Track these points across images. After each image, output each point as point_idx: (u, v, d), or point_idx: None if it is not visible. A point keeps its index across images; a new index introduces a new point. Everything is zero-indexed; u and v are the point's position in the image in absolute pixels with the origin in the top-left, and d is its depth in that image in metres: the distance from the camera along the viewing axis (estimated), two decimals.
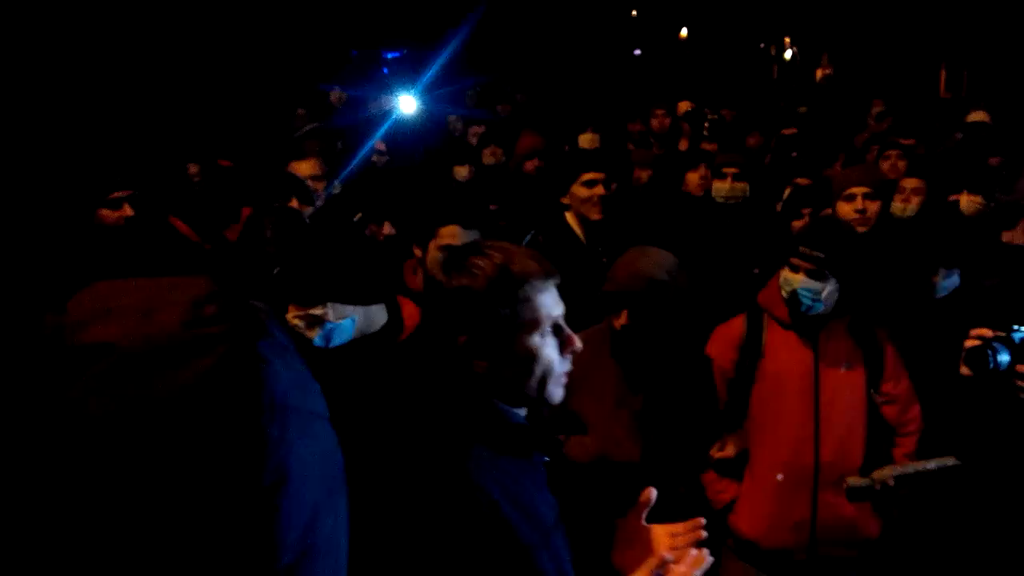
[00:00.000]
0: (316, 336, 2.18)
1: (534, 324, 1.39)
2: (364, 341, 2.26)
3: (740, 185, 4.19)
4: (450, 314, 1.39)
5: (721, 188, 4.21)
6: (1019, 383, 1.81)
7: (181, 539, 0.55)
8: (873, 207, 3.47)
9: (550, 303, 1.42)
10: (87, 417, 0.55)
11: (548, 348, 1.41)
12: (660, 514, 1.55)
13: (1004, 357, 1.79)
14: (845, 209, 3.48)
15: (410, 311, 2.41)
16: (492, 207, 3.99)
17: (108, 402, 0.55)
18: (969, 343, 1.83)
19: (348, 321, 2.20)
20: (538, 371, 1.40)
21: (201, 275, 0.65)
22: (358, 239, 3.62)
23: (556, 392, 1.43)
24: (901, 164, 4.64)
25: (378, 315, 2.27)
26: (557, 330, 1.43)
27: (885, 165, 4.71)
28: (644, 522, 1.53)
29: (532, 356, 1.39)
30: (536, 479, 1.38)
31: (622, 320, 2.44)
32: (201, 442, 0.56)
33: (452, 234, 2.81)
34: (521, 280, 1.39)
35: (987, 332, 1.83)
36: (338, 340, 2.20)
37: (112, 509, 0.54)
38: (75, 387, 0.56)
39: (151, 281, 0.63)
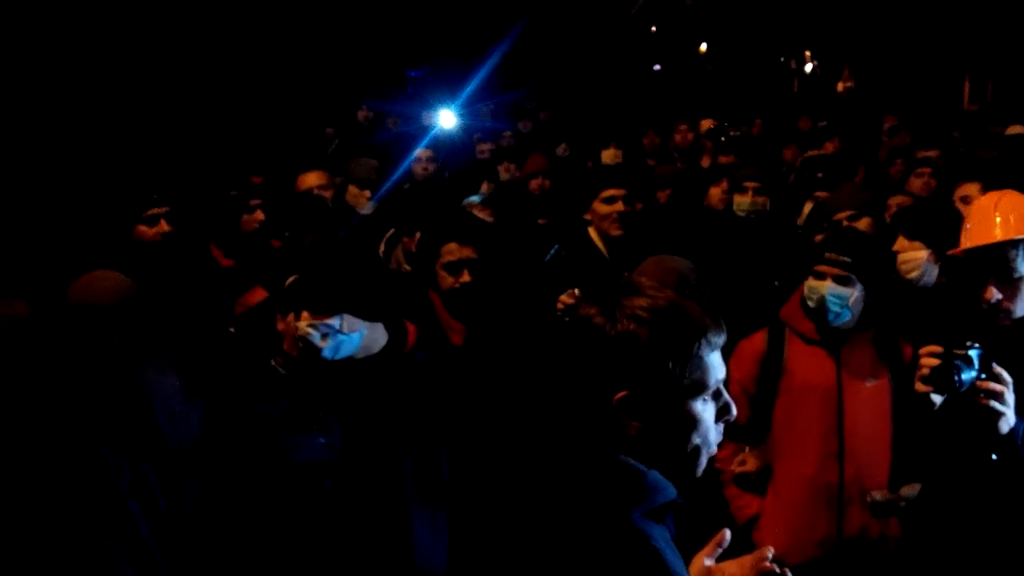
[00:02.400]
0: (326, 347, 2.30)
1: (701, 387, 1.23)
2: (367, 361, 2.35)
3: (761, 199, 4.21)
4: (607, 365, 1.21)
5: (742, 202, 4.24)
6: (981, 399, 1.82)
7: None
8: (860, 226, 3.39)
9: (717, 364, 1.26)
10: None
11: (708, 415, 1.25)
12: (690, 520, 1.55)
13: (967, 375, 1.80)
14: None
15: (409, 328, 2.51)
16: (541, 221, 4.07)
17: None
18: (930, 361, 1.82)
19: (357, 334, 2.31)
20: (695, 440, 1.24)
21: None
22: (377, 260, 3.71)
23: (703, 465, 1.27)
24: (934, 182, 4.58)
25: (379, 337, 2.36)
26: (717, 395, 1.27)
27: (918, 183, 4.63)
28: (713, 562, 1.44)
29: (692, 422, 1.24)
30: (671, 542, 1.25)
31: None
32: None
33: (451, 251, 2.85)
34: (698, 333, 1.23)
35: (938, 349, 1.82)
36: (345, 352, 2.32)
37: None
38: None
39: None
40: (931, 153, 5.20)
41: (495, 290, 2.92)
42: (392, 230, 3.86)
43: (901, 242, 2.93)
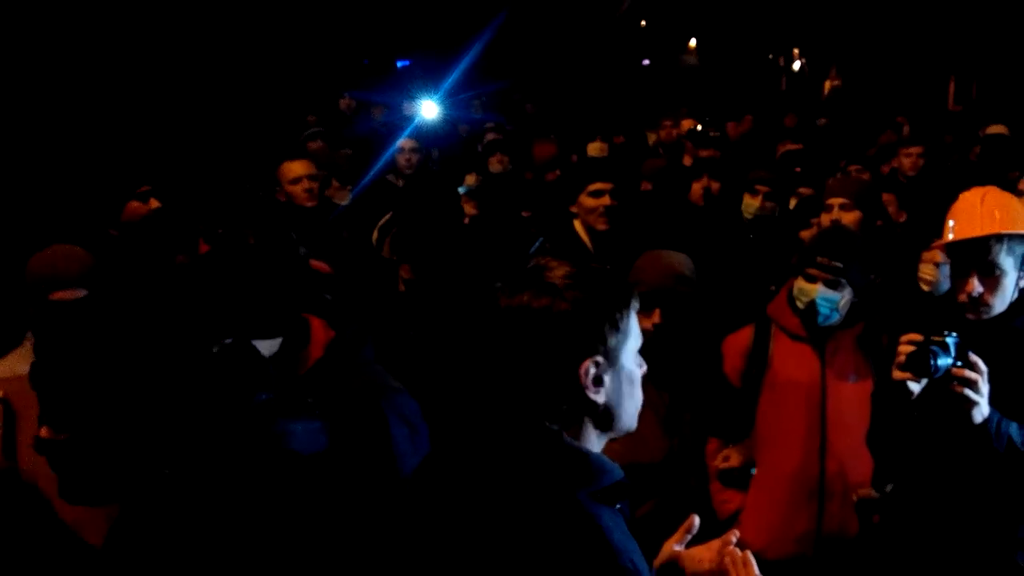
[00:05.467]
0: None
1: (636, 341, 1.27)
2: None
3: (770, 204, 4.11)
4: (566, 340, 1.19)
5: (751, 204, 4.11)
6: (955, 387, 1.88)
7: None
8: (849, 217, 3.42)
9: (636, 324, 1.28)
10: None
11: (642, 367, 1.29)
12: (676, 512, 1.55)
13: (943, 361, 1.86)
14: (824, 220, 3.49)
15: (318, 337, 2.26)
16: (525, 214, 4.02)
17: None
18: (907, 348, 1.88)
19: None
20: (637, 395, 1.28)
21: None
22: (279, 265, 3.51)
23: (635, 422, 1.30)
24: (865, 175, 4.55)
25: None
26: (639, 349, 1.30)
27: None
28: (683, 547, 1.45)
29: (634, 376, 1.27)
30: (623, 526, 1.24)
31: (654, 319, 2.53)
32: None
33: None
34: (627, 290, 1.25)
35: (918, 337, 1.88)
36: None
37: None
38: None
39: None
40: (914, 149, 5.20)
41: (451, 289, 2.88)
42: (387, 216, 3.79)
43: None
